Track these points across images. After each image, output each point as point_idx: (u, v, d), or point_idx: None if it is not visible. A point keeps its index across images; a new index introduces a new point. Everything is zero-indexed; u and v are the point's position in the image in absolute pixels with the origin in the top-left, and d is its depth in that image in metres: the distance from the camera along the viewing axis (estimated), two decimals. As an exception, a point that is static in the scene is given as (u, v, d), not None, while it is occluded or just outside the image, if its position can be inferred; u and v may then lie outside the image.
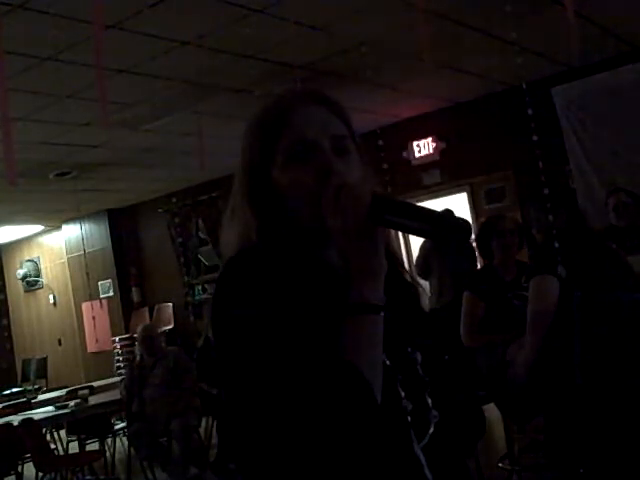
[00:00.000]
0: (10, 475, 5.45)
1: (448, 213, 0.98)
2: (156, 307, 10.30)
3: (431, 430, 1.09)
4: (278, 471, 0.99)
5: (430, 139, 7.87)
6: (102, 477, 6.02)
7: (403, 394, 1.06)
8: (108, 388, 7.30)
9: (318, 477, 0.96)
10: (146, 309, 10.38)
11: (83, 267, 9.76)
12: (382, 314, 1.00)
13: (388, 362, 1.04)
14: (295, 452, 0.95)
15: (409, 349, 1.13)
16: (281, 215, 1.11)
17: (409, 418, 1.06)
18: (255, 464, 1.04)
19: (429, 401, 1.10)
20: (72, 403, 6.03)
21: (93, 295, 10.13)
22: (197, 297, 9.95)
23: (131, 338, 9.81)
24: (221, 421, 6.21)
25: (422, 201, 7.44)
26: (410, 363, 1.11)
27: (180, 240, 9.79)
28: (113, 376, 9.12)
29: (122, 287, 10.52)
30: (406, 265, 1.27)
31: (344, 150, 1.12)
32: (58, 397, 6.86)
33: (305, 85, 1.12)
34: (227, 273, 1.07)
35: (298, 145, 1.09)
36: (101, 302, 10.43)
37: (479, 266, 5.68)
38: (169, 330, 9.78)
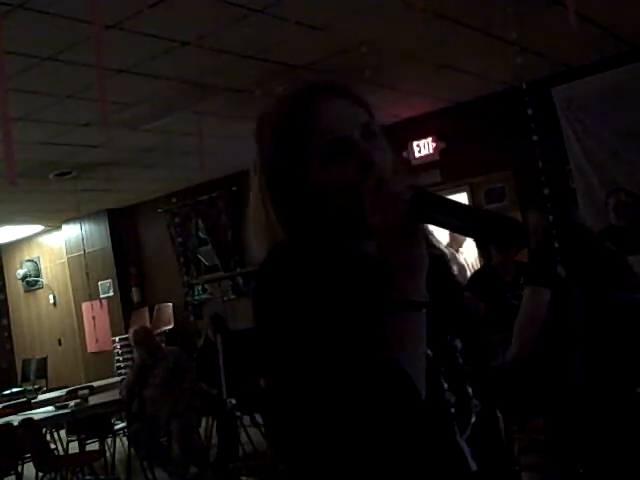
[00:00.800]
0: (10, 475, 5.45)
1: (496, 213, 0.97)
2: (156, 307, 10.30)
3: (473, 420, 1.08)
4: (321, 465, 1.01)
5: (430, 139, 7.87)
6: (102, 477, 6.02)
7: (446, 386, 1.06)
8: (108, 388, 7.30)
9: (362, 471, 0.97)
10: (146, 309, 10.38)
11: (83, 267, 9.76)
12: (424, 310, 1.00)
13: (430, 353, 1.04)
14: (337, 447, 0.97)
15: (448, 337, 1.12)
16: (313, 210, 1.10)
17: (452, 410, 1.05)
18: (300, 458, 1.05)
19: (470, 390, 1.09)
20: (72, 403, 6.03)
21: (93, 295, 10.13)
22: (197, 297, 9.95)
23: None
24: (220, 421, 6.22)
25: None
26: (450, 351, 1.10)
27: (180, 240, 9.80)
28: (113, 376, 9.12)
29: (122, 287, 10.52)
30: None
31: (372, 135, 1.11)
32: (58, 397, 6.86)
33: (319, 78, 1.11)
34: (268, 269, 1.07)
35: (333, 144, 1.08)
36: (101, 302, 10.43)
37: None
38: (169, 330, 9.78)
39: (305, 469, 1.05)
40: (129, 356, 9.52)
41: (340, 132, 1.08)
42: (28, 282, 11.87)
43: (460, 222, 0.99)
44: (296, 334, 1.00)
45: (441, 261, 1.20)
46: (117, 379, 7.97)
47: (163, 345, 7.28)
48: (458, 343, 1.12)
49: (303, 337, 0.99)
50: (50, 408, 6.24)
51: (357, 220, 1.06)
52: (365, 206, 1.02)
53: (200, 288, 9.96)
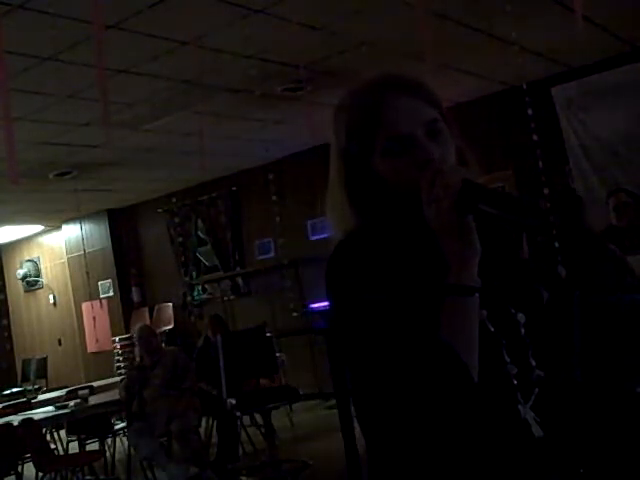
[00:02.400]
0: (10, 475, 5.45)
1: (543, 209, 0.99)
2: (156, 307, 10.30)
3: (536, 390, 1.13)
4: (392, 438, 1.08)
5: (430, 139, 7.87)
6: (102, 477, 6.02)
7: (508, 359, 1.10)
8: (108, 388, 7.29)
9: (428, 445, 1.03)
10: (146, 309, 10.38)
11: (83, 267, 9.76)
12: (477, 295, 1.05)
13: (492, 328, 1.09)
14: (400, 422, 1.04)
15: (512, 310, 1.16)
16: (380, 202, 1.16)
17: (515, 381, 1.10)
18: (373, 433, 1.13)
19: (533, 362, 1.14)
20: (72, 403, 6.02)
21: (93, 295, 10.13)
22: (197, 297, 9.95)
23: (131, 338, 9.80)
24: (220, 421, 6.21)
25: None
26: (513, 325, 1.14)
27: (180, 240, 9.80)
28: (113, 376, 9.12)
29: (122, 287, 10.52)
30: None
31: (437, 132, 1.15)
32: (58, 397, 6.85)
33: (392, 73, 1.17)
34: (338, 257, 1.15)
35: (394, 140, 1.13)
36: (101, 302, 10.43)
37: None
38: (169, 330, 9.78)
39: (380, 444, 1.11)
40: (129, 356, 9.53)
41: (402, 129, 1.13)
42: (28, 282, 11.87)
43: (505, 216, 1.02)
44: (362, 316, 1.07)
45: (507, 236, 1.24)
46: (117, 379, 7.96)
47: (163, 345, 7.28)
48: (521, 317, 1.16)
49: (369, 318, 1.06)
50: (50, 408, 6.23)
51: (416, 211, 1.10)
52: (422, 198, 1.08)
53: (200, 288, 9.96)
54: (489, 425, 1.06)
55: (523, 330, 1.15)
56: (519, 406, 1.10)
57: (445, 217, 1.04)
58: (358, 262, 1.10)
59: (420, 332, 1.03)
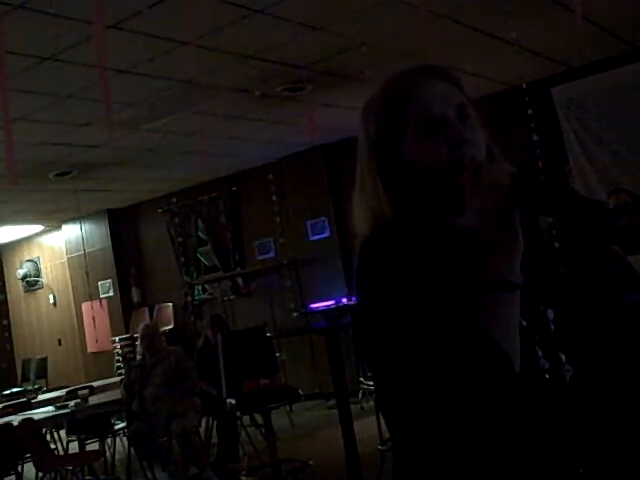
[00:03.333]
0: (10, 475, 5.44)
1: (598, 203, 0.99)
2: (156, 307, 10.30)
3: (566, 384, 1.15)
4: (424, 434, 1.07)
5: (430, 139, 7.87)
6: (102, 477, 6.02)
7: (540, 353, 1.12)
8: (108, 388, 7.30)
9: (462, 438, 1.03)
10: (146, 309, 10.38)
11: (83, 267, 9.75)
12: (518, 291, 1.04)
13: (525, 323, 1.09)
14: (437, 418, 1.03)
15: (541, 307, 1.17)
16: (412, 187, 1.16)
17: (547, 376, 1.12)
18: (403, 428, 1.12)
19: (562, 357, 1.15)
20: (72, 403, 6.02)
21: (93, 295, 10.13)
22: (197, 297, 9.95)
23: (131, 338, 9.81)
24: (220, 421, 6.22)
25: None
26: (543, 321, 1.16)
27: (180, 240, 9.80)
28: (113, 376, 9.12)
29: (122, 287, 10.52)
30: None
31: (466, 116, 1.17)
32: (58, 397, 6.85)
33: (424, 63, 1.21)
34: (367, 253, 1.13)
35: (426, 121, 1.14)
36: (101, 302, 10.43)
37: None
38: (169, 330, 9.78)
39: (410, 439, 1.11)
40: (130, 356, 9.52)
41: (435, 110, 1.14)
42: (28, 282, 11.87)
43: (558, 209, 1.02)
44: (397, 311, 1.06)
45: (537, 233, 1.25)
46: (117, 379, 7.96)
47: (164, 345, 7.28)
48: (550, 314, 1.17)
49: (404, 313, 1.05)
50: (50, 408, 6.23)
51: (450, 195, 1.12)
52: (464, 191, 1.07)
53: (200, 288, 9.96)
54: (524, 416, 1.07)
55: (552, 326, 1.17)
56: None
57: (493, 211, 1.04)
58: (391, 258, 1.09)
59: (461, 326, 1.02)
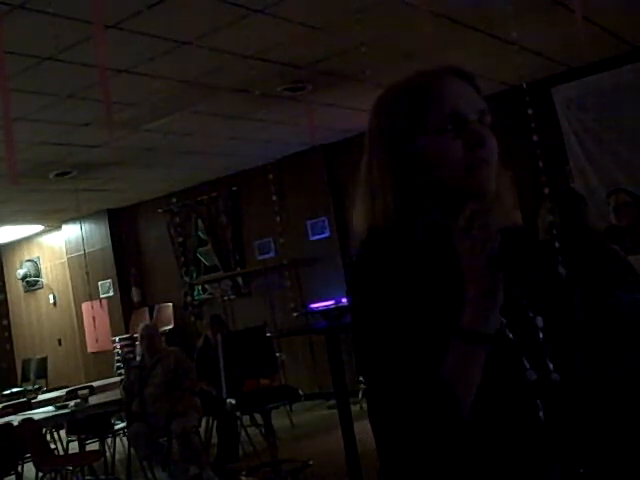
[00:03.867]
0: (10, 475, 5.44)
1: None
2: (156, 307, 10.30)
3: (555, 393, 1.13)
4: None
5: (430, 139, 7.86)
6: (102, 477, 6.01)
7: (528, 365, 1.09)
8: (108, 388, 7.30)
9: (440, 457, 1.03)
10: (146, 309, 10.38)
11: (83, 267, 9.76)
12: (489, 345, 1.03)
13: (511, 335, 1.08)
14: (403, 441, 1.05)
15: (531, 314, 1.15)
16: (421, 186, 1.14)
17: (534, 387, 1.09)
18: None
19: (550, 366, 1.13)
20: (72, 403, 6.02)
21: (93, 295, 10.12)
22: (197, 297, 9.95)
23: (131, 338, 9.81)
24: (220, 421, 6.21)
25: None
26: (532, 329, 1.13)
27: (180, 240, 9.79)
28: (113, 376, 9.12)
29: (122, 287, 10.52)
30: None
31: (485, 123, 1.16)
32: (58, 397, 6.85)
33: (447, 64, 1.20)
34: (359, 265, 1.14)
35: (451, 117, 1.12)
36: (101, 302, 10.43)
37: None
38: (169, 330, 9.78)
39: (388, 442, 1.12)
40: (130, 356, 9.51)
41: (459, 110, 1.13)
42: (28, 282, 11.87)
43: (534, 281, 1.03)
44: (374, 330, 1.07)
45: (526, 239, 1.25)
46: (117, 379, 7.96)
47: (164, 345, 7.27)
48: (539, 321, 1.15)
49: (379, 334, 1.06)
50: (50, 408, 6.23)
51: (456, 195, 1.11)
52: (455, 242, 1.05)
53: (200, 288, 9.96)
54: (511, 433, 1.06)
55: (541, 334, 1.14)
56: (540, 413, 1.09)
57: (477, 263, 1.02)
58: (379, 277, 1.09)
59: (421, 363, 1.02)
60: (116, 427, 6.57)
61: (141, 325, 6.29)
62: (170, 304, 10.16)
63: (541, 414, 1.09)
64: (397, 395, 1.03)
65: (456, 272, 1.05)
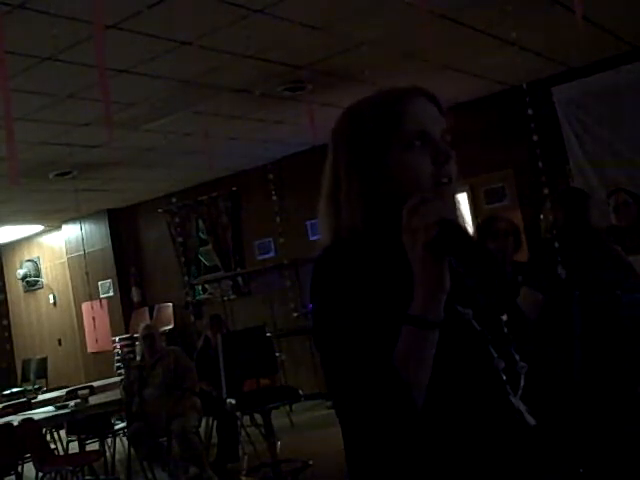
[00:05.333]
0: (10, 475, 5.45)
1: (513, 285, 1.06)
2: (156, 307, 10.30)
3: (522, 381, 1.18)
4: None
5: (430, 139, 7.86)
6: (102, 477, 6.02)
7: (495, 355, 1.15)
8: (108, 388, 7.30)
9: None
10: (146, 309, 10.38)
11: (83, 267, 9.75)
12: (437, 330, 1.07)
13: (479, 328, 1.14)
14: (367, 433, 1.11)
15: (481, 300, 1.21)
16: (388, 199, 1.18)
17: (503, 376, 1.14)
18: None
19: (516, 356, 1.19)
20: (72, 403, 6.02)
21: (93, 295, 10.13)
22: (197, 297, 9.95)
23: (131, 338, 9.82)
24: (220, 421, 6.22)
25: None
26: (497, 323, 1.20)
27: (180, 240, 9.80)
28: (113, 376, 9.12)
29: (122, 287, 10.52)
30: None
31: (447, 142, 1.22)
32: (58, 397, 6.86)
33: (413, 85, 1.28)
34: (320, 269, 1.18)
35: (419, 135, 1.18)
36: (101, 302, 10.43)
37: None
38: (169, 330, 9.78)
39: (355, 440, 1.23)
40: (130, 356, 9.52)
41: (427, 128, 1.19)
42: (28, 282, 11.87)
43: (472, 269, 1.08)
44: (330, 329, 1.13)
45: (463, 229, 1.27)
46: (117, 379, 7.97)
47: (164, 345, 7.28)
48: (504, 316, 1.22)
49: (335, 333, 1.11)
50: (50, 408, 6.24)
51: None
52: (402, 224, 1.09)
53: (200, 288, 9.96)
54: (485, 417, 1.10)
55: (506, 328, 1.20)
56: (510, 397, 1.14)
57: (418, 252, 1.05)
58: (340, 277, 1.13)
59: (373, 353, 1.06)
60: (116, 427, 6.57)
61: (141, 325, 6.30)
62: (170, 304, 10.16)
63: (512, 399, 1.13)
64: (352, 383, 1.08)
65: (408, 267, 1.09)
